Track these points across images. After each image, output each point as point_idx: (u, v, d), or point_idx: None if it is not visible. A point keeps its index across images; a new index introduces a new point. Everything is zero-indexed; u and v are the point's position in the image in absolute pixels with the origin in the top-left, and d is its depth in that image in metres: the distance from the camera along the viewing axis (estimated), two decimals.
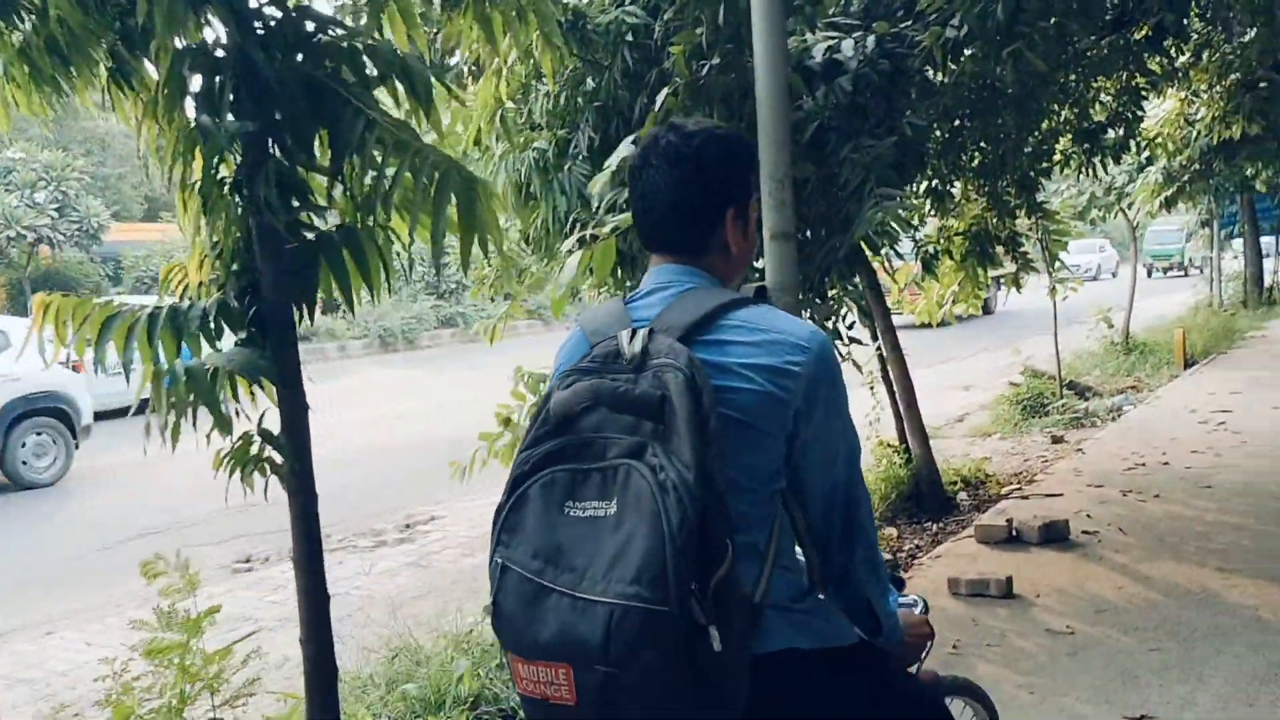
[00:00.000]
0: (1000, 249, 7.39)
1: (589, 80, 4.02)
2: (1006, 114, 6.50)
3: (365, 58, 2.33)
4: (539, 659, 1.30)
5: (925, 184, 6.75)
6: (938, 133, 6.44)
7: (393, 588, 5.69)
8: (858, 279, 5.20)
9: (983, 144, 6.73)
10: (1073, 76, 6.41)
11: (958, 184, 7.16)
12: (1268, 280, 18.75)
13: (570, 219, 4.06)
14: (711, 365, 1.40)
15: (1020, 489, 6.56)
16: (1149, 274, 31.78)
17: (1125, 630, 4.06)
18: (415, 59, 2.44)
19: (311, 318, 2.47)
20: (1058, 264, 8.12)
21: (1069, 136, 7.07)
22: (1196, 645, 3.88)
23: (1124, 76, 6.79)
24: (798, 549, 1.54)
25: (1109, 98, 6.75)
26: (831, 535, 1.52)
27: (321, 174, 2.37)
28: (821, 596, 1.55)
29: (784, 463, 1.47)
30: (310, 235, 2.41)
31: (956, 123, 6.55)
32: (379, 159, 2.26)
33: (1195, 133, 8.20)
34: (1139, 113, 6.70)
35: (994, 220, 7.37)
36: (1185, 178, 10.24)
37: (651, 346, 1.40)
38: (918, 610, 1.80)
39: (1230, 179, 13.18)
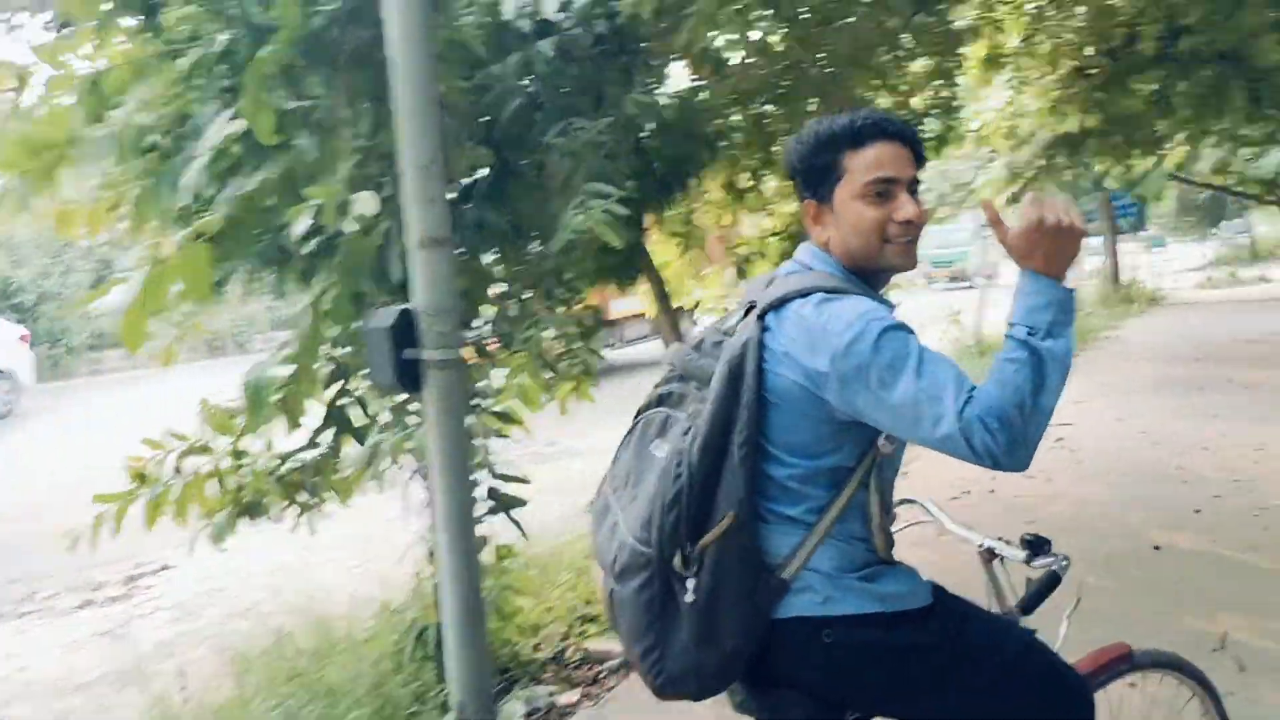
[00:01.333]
0: None
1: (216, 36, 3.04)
2: (815, 100, 5.78)
3: None
4: (602, 566, 1.67)
5: (727, 177, 6.01)
6: (737, 118, 5.67)
7: (62, 669, 4.62)
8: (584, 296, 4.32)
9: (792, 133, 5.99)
10: (885, 58, 5.71)
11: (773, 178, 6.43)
12: (1124, 278, 18.71)
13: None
14: (766, 348, 1.58)
15: None
16: (928, 284, 26.39)
17: None
18: None
19: None
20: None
21: None
22: None
23: (937, 59, 6.15)
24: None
25: (925, 83, 6.09)
26: (955, 448, 1.47)
27: None
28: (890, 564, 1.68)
29: (855, 450, 1.60)
30: None
31: (762, 107, 5.81)
32: None
33: (1031, 126, 7.62)
34: (954, 101, 6.04)
35: None
36: (1029, 174, 9.73)
37: (740, 322, 1.64)
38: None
39: (1080, 175, 12.84)
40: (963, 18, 6.68)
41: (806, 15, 5.37)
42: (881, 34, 5.55)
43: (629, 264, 5.45)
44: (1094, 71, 6.80)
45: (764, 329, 1.60)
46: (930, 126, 6.36)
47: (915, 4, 6.20)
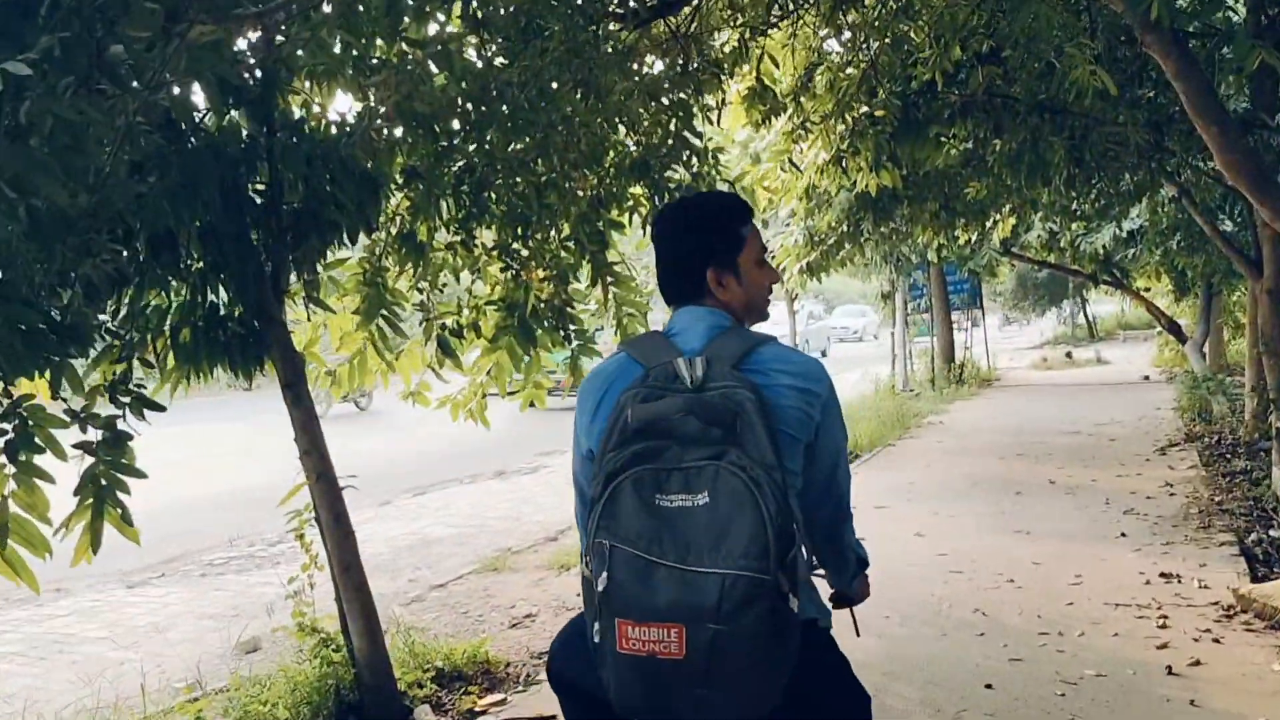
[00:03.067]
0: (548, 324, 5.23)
1: None
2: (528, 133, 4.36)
3: None
4: (653, 621, 1.59)
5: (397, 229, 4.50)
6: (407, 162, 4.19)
7: None
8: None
9: (498, 175, 4.52)
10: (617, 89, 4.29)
11: (487, 233, 4.97)
12: (959, 357, 17.88)
13: None
14: (762, 386, 1.76)
15: (512, 696, 4.21)
16: None
17: None
18: None
19: None
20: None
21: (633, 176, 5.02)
22: None
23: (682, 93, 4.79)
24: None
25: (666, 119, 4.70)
26: (835, 518, 1.96)
27: None
28: (819, 569, 2.00)
29: (804, 462, 1.84)
30: None
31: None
32: None
33: (806, 181, 6.33)
34: (695, 141, 4.70)
35: (546, 286, 5.21)
36: (830, 240, 8.53)
37: (711, 372, 1.75)
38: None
39: (891, 245, 11.81)
40: (718, 42, 5.37)
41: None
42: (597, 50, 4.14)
43: (252, 342, 3.84)
44: (882, 116, 5.54)
45: (745, 373, 1.78)
46: (674, 176, 4.98)
47: (646, 12, 4.85)
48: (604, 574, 1.64)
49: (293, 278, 4.01)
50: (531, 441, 13.59)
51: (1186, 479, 7.91)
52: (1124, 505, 7.16)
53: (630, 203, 5.20)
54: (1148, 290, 19.01)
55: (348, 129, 3.79)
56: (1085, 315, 32.29)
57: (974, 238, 12.61)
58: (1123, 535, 6.29)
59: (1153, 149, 7.35)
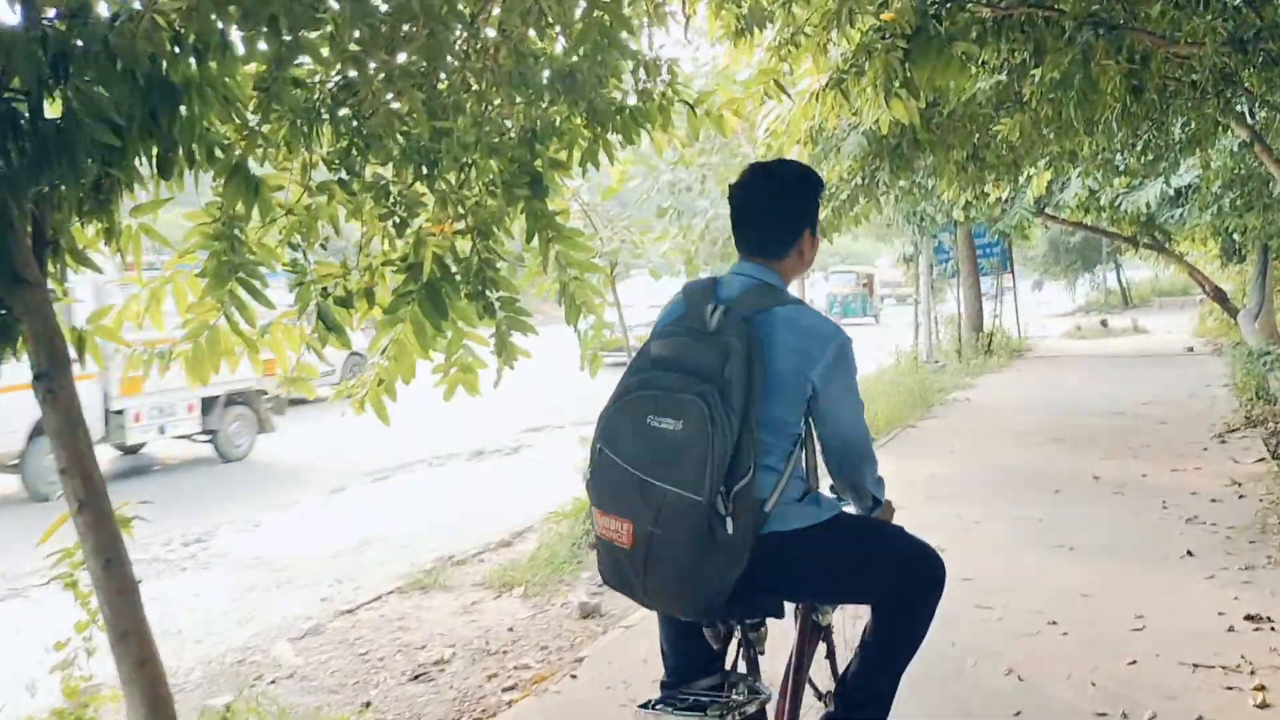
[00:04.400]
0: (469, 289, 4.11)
1: None
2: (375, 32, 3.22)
3: None
4: (611, 513, 2.04)
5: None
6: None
7: None
8: None
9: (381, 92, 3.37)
10: None
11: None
12: (987, 325, 16.57)
13: None
14: (763, 340, 2.07)
15: None
16: None
17: None
18: None
19: None
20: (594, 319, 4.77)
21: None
22: None
23: None
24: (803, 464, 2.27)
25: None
26: (845, 463, 2.30)
27: None
28: (831, 494, 2.38)
29: (803, 417, 2.19)
30: None
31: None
32: None
33: (809, 117, 5.09)
34: (636, 47, 3.55)
35: (461, 242, 4.12)
36: (843, 195, 7.31)
37: (725, 320, 2.08)
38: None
39: (918, 201, 10.53)
40: None
41: None
42: None
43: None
44: (890, 22, 4.31)
45: (753, 327, 2.08)
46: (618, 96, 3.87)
47: None
48: (590, 470, 2.12)
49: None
50: (525, 414, 12.46)
51: (1255, 476, 6.69)
52: (1185, 510, 5.96)
53: (567, 136, 4.07)
54: (1190, 255, 17.63)
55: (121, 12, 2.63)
56: (1119, 281, 30.75)
57: (1005, 195, 11.32)
58: (1189, 554, 5.10)
59: (1224, 81, 6.09)
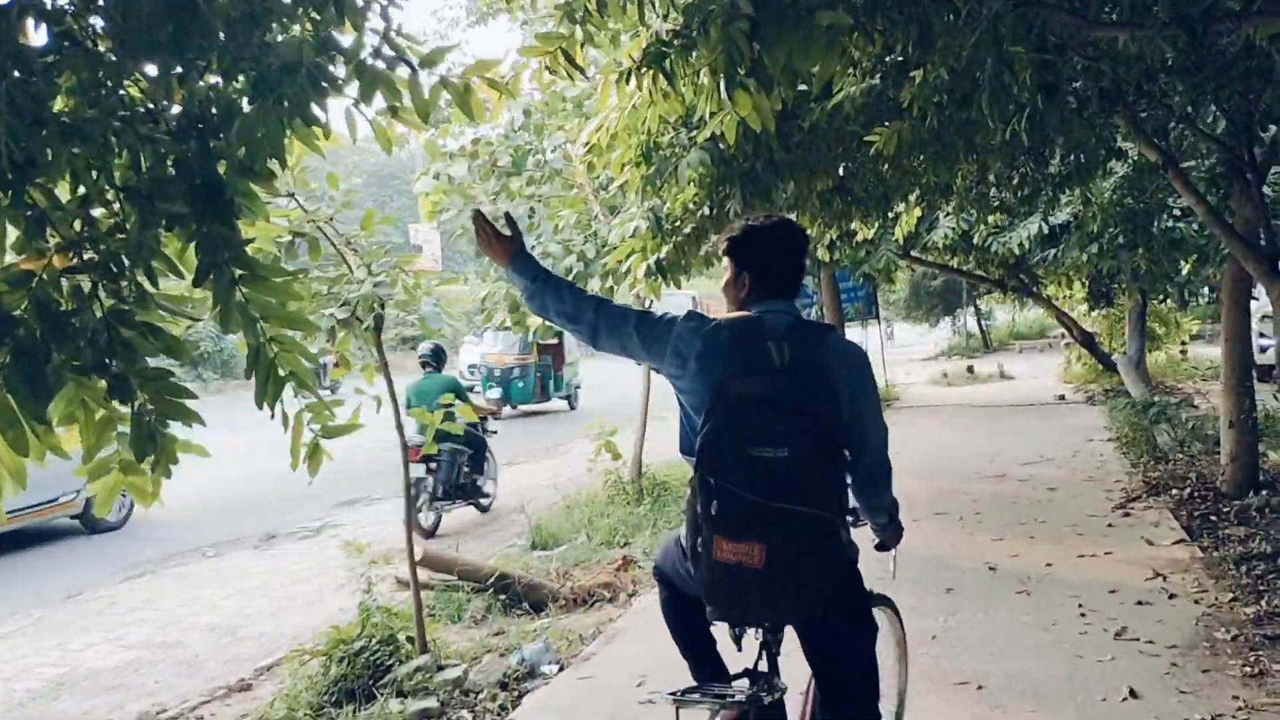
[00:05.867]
0: None
1: None
2: None
3: None
4: (742, 539, 2.21)
5: None
6: None
7: None
8: None
9: None
10: None
11: None
12: None
13: None
14: (821, 367, 2.35)
15: None
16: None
17: None
18: None
19: None
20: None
21: None
22: None
23: None
24: None
25: None
26: (876, 480, 2.55)
27: None
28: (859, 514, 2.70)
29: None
30: None
31: None
32: None
33: (632, 119, 3.70)
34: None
35: (90, 281, 2.51)
36: (687, 228, 5.94)
37: (794, 354, 2.34)
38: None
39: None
40: None
41: None
42: None
43: None
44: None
45: (814, 356, 2.37)
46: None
47: None
48: (712, 502, 2.24)
49: None
50: (345, 481, 10.49)
51: (1179, 564, 5.58)
52: (1108, 617, 4.77)
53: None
54: (1057, 299, 17.14)
55: None
56: (979, 324, 30.68)
57: (873, 234, 10.28)
58: (1131, 694, 3.88)
59: (1139, 90, 5.04)
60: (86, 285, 2.54)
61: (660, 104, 3.51)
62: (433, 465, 8.56)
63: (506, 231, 2.67)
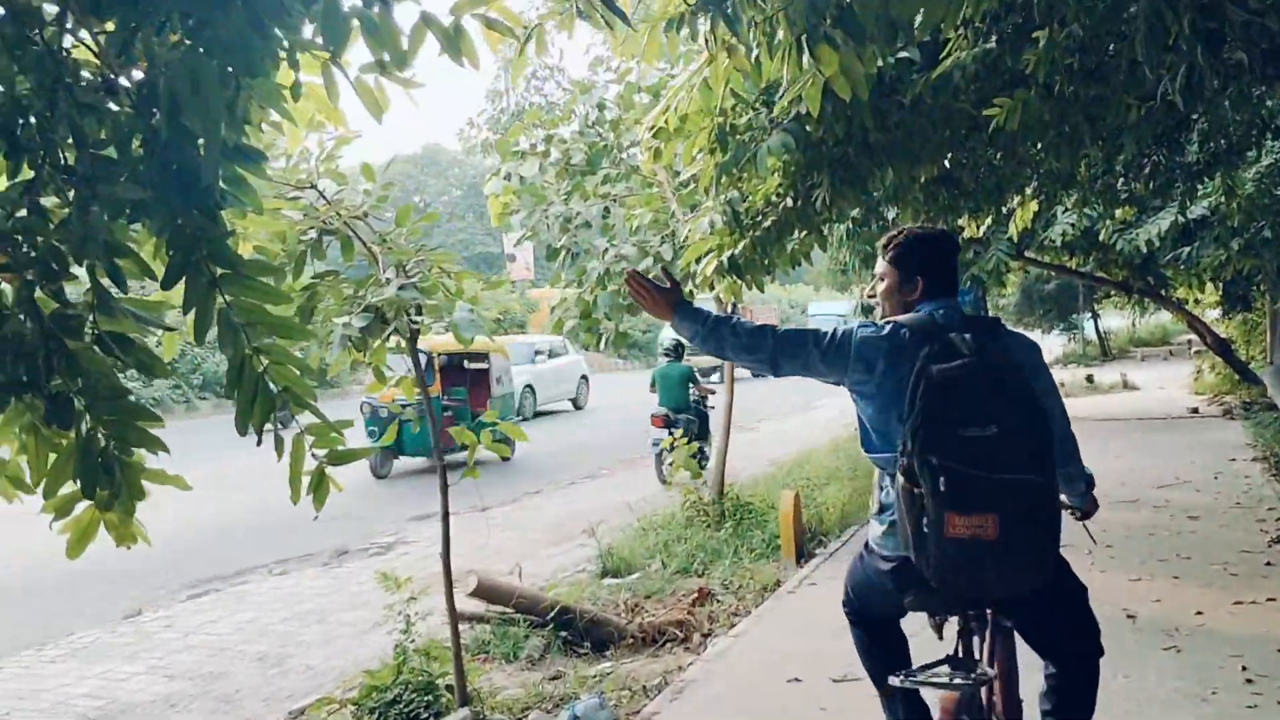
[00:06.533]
0: None
1: None
2: None
3: None
4: (975, 513, 2.26)
5: None
6: None
7: None
8: None
9: None
10: None
11: None
12: None
13: None
14: (1006, 351, 2.51)
15: None
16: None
17: None
18: None
19: None
20: None
21: None
22: None
23: None
24: None
25: None
26: (1067, 452, 2.67)
27: None
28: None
29: None
30: None
31: None
32: None
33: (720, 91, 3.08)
34: None
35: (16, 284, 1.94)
36: (766, 222, 5.29)
37: (980, 344, 2.43)
38: None
39: (874, 238, 8.55)
40: None
41: None
42: None
43: None
44: None
45: (997, 343, 2.52)
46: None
47: None
48: (939, 479, 2.28)
49: None
50: (422, 493, 10.14)
51: None
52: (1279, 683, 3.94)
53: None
54: (1187, 303, 15.85)
55: None
56: (1098, 331, 29.00)
57: (984, 230, 9.41)
58: None
59: None
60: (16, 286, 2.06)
61: (721, 63, 2.87)
62: (671, 431, 9.67)
63: (665, 283, 2.72)
